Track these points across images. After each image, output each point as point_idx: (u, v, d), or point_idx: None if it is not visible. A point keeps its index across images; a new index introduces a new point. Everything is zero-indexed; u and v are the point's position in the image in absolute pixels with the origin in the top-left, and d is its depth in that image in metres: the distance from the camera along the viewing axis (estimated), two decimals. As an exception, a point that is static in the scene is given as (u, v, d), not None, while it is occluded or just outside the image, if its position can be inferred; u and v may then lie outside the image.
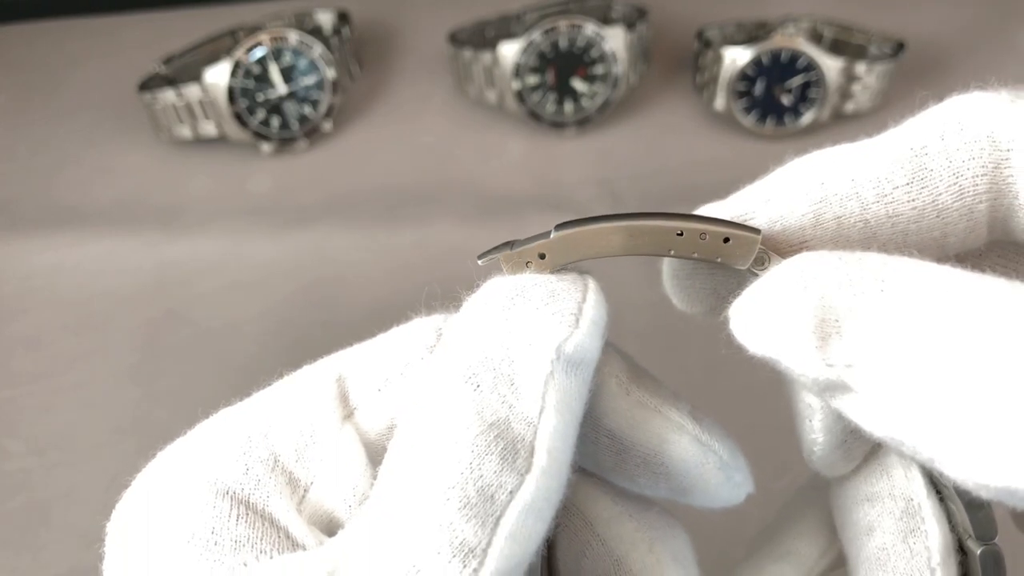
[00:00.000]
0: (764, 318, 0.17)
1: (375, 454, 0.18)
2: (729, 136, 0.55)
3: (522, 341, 0.17)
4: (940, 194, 0.18)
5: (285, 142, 0.56)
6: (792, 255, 0.18)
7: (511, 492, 0.15)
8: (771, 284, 0.17)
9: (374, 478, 0.18)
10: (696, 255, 0.19)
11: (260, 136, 0.55)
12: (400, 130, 0.58)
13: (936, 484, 0.21)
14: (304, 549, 0.17)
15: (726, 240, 0.19)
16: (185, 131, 0.55)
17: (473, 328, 0.18)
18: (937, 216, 0.18)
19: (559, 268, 0.20)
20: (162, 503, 0.17)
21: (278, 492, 0.17)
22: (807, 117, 0.54)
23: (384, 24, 0.63)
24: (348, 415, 0.19)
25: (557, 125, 0.56)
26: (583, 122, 0.56)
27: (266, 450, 0.18)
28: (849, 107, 0.54)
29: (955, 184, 0.18)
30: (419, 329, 0.20)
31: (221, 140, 0.56)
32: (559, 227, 0.19)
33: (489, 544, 0.15)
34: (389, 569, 0.15)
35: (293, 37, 0.54)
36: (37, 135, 0.59)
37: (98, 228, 0.52)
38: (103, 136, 0.58)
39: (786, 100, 0.54)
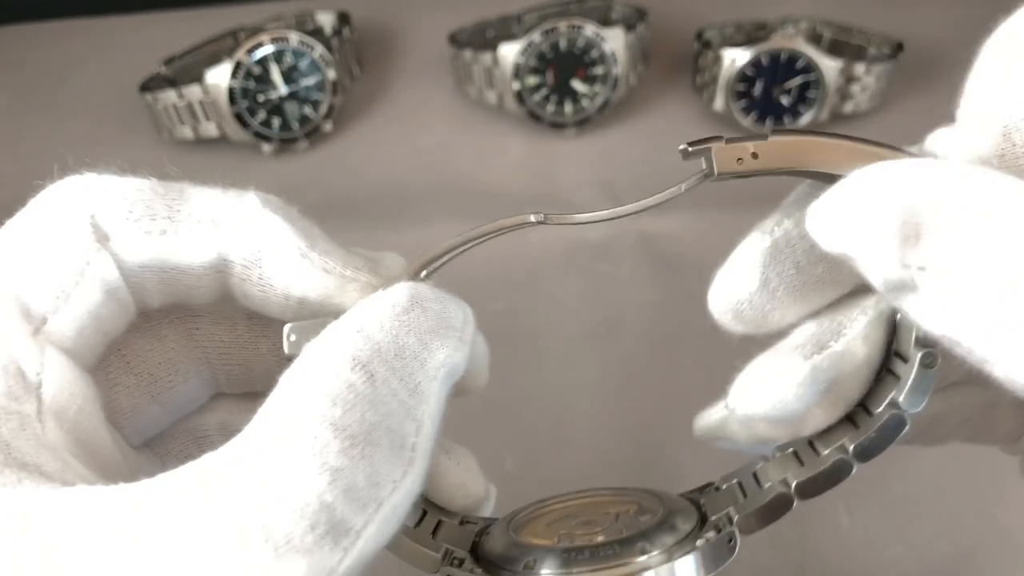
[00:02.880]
0: (849, 216, 0.17)
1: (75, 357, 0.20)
2: (728, 136, 0.56)
3: (417, 345, 0.19)
4: None
5: (286, 142, 0.56)
6: None
7: (395, 483, 0.17)
8: (858, 185, 0.18)
9: (84, 379, 0.19)
10: None
11: (261, 136, 0.55)
12: (400, 130, 0.58)
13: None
14: (43, 473, 0.17)
15: None
16: (186, 132, 0.55)
17: (368, 320, 0.19)
18: None
19: (770, 171, 0.20)
20: None
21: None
22: (806, 117, 0.54)
23: (384, 25, 0.63)
24: (37, 330, 0.19)
25: (557, 126, 0.56)
26: (583, 123, 0.56)
27: None
28: (848, 108, 0.54)
29: None
30: (72, 226, 0.20)
31: (222, 140, 0.56)
32: (775, 131, 0.20)
33: (364, 527, 0.16)
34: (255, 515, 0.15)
35: (294, 38, 0.54)
36: (38, 136, 0.59)
37: (99, 228, 0.53)
38: (104, 137, 0.58)
39: (785, 100, 0.54)
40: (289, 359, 0.19)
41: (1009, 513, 0.40)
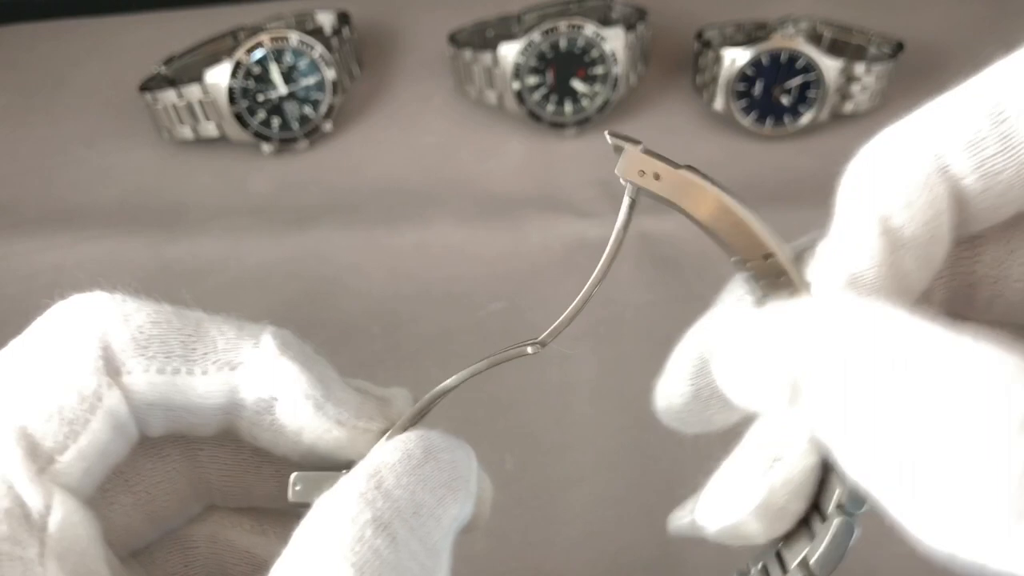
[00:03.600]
0: (741, 381, 0.18)
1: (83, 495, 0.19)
2: (728, 136, 0.56)
3: (433, 502, 0.18)
4: None
5: (286, 142, 0.56)
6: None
7: None
8: (741, 349, 0.18)
9: (89, 518, 0.19)
10: (754, 273, 0.19)
11: (261, 136, 0.55)
12: (400, 130, 0.58)
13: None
14: None
15: (792, 293, 0.19)
16: (186, 131, 0.55)
17: (386, 476, 0.18)
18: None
19: (664, 200, 0.20)
20: None
21: None
22: (806, 117, 0.54)
23: (384, 25, 0.63)
24: (42, 469, 0.18)
25: (557, 126, 0.56)
26: (583, 123, 0.56)
27: None
28: (848, 107, 0.54)
29: None
30: (83, 357, 0.19)
31: (222, 140, 0.56)
32: (691, 168, 0.19)
33: None
34: None
35: (294, 38, 0.54)
36: (38, 135, 0.59)
37: (99, 228, 0.53)
38: (104, 136, 0.58)
39: (785, 100, 0.54)
40: (295, 507, 0.19)
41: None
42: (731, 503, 0.21)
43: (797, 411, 0.17)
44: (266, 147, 0.56)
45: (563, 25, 0.53)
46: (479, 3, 0.59)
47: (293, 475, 0.20)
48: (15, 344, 0.20)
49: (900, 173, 0.18)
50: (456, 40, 0.57)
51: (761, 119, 0.54)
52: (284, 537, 0.21)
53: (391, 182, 0.55)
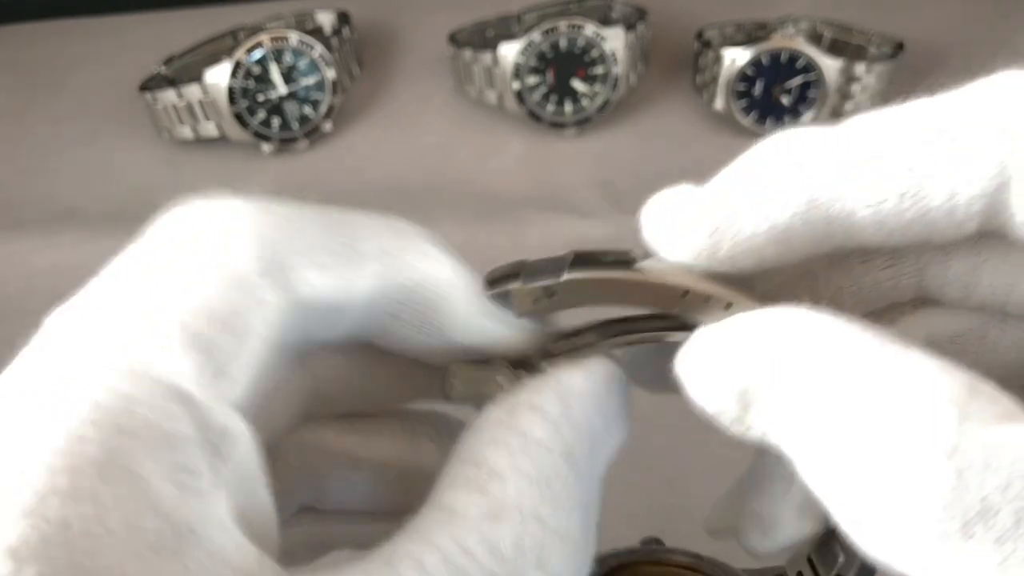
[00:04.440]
0: (695, 383, 0.17)
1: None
2: (729, 136, 0.56)
3: (604, 431, 0.18)
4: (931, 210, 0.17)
5: (285, 142, 0.56)
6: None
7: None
8: (693, 360, 0.18)
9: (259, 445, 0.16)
10: (691, 317, 0.19)
11: (261, 136, 0.55)
12: (400, 130, 0.58)
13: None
14: None
15: (728, 306, 0.18)
16: (186, 131, 0.55)
17: (572, 401, 0.18)
18: (926, 229, 0.17)
19: (573, 306, 0.19)
20: None
21: None
22: (806, 117, 0.54)
23: (384, 24, 0.63)
24: (216, 385, 0.15)
25: (557, 125, 0.56)
26: (583, 122, 0.56)
27: None
28: (848, 107, 0.54)
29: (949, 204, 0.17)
30: (242, 266, 0.16)
31: (222, 140, 0.56)
32: (573, 266, 0.19)
33: None
34: None
35: (293, 38, 0.54)
36: (38, 135, 0.59)
37: (99, 228, 0.53)
38: (104, 136, 0.58)
39: (785, 100, 0.54)
40: (453, 400, 0.18)
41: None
42: (773, 529, 0.20)
43: (748, 420, 0.17)
44: (266, 147, 0.56)
45: (563, 25, 0.53)
46: (479, 3, 0.59)
47: (452, 366, 0.19)
48: (144, 246, 0.17)
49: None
50: (456, 40, 0.57)
51: (761, 119, 0.54)
52: (376, 432, 0.21)
53: (391, 182, 0.55)
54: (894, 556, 0.14)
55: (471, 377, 0.19)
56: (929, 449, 0.14)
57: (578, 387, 0.18)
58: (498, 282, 0.19)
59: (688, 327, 0.18)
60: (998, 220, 0.17)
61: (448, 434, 0.21)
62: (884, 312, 0.21)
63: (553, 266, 0.18)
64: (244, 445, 0.15)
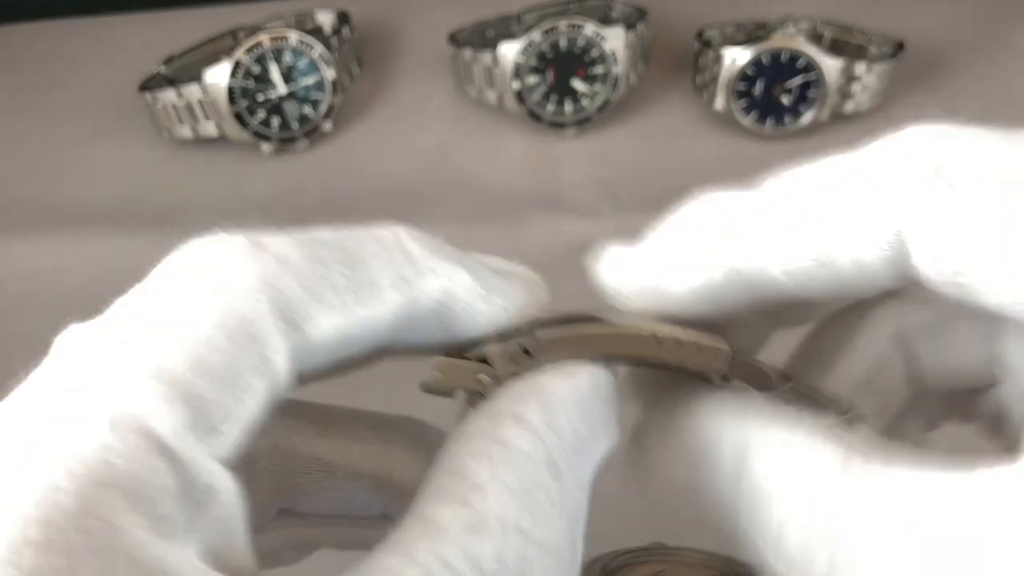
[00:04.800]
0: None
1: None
2: (729, 136, 0.55)
3: (591, 437, 0.18)
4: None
5: (285, 142, 0.56)
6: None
7: None
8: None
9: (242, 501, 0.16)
10: (673, 362, 0.18)
11: (260, 136, 0.55)
12: (400, 130, 0.58)
13: None
14: None
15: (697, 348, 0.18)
16: (185, 131, 0.55)
17: (556, 408, 0.18)
18: (843, 287, 0.18)
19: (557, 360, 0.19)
20: None
21: None
22: (807, 117, 0.54)
23: (384, 24, 0.63)
24: (207, 441, 0.15)
25: (557, 125, 0.56)
26: (583, 122, 0.56)
27: None
28: (849, 107, 0.54)
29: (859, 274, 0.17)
30: (247, 315, 0.16)
31: (221, 140, 0.56)
32: (542, 323, 0.19)
33: None
34: None
35: (293, 37, 0.54)
36: (38, 135, 0.59)
37: (99, 228, 0.53)
38: (104, 136, 0.58)
39: (786, 100, 0.54)
40: (430, 391, 0.18)
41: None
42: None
43: None
44: (266, 147, 0.56)
45: (563, 25, 0.53)
46: (479, 3, 0.59)
47: (437, 360, 0.19)
48: (145, 289, 0.17)
49: None
50: (456, 40, 0.57)
51: (761, 119, 0.54)
52: (348, 436, 0.21)
53: (391, 182, 0.55)
54: None
55: (451, 370, 0.19)
56: None
57: (562, 394, 0.17)
58: (473, 346, 0.19)
59: (695, 374, 0.18)
60: (909, 275, 0.17)
61: (425, 443, 0.21)
62: (853, 307, 0.21)
63: (525, 328, 0.19)
64: (228, 498, 0.15)
